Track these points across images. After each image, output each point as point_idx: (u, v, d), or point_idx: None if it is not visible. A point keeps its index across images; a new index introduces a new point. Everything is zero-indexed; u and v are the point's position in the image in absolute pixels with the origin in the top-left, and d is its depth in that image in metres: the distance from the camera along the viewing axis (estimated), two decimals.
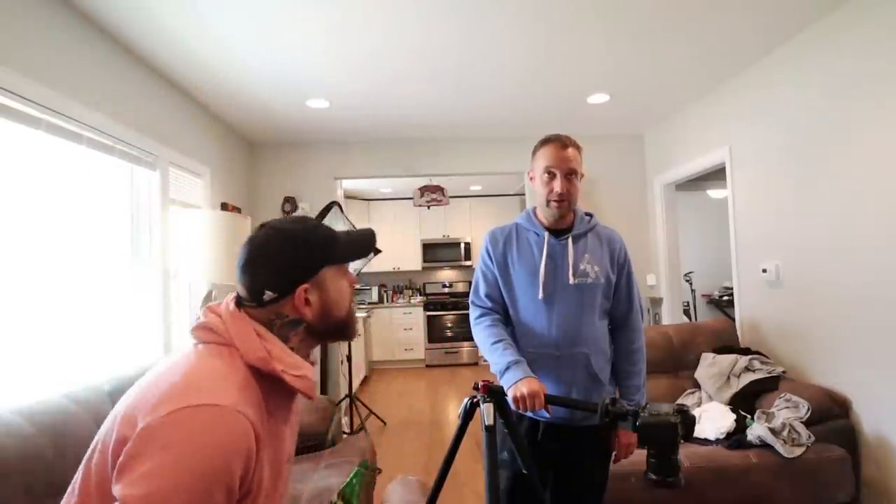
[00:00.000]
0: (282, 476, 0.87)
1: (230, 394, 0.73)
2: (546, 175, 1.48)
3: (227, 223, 2.51)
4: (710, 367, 2.74)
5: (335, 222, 3.60)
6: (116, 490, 0.67)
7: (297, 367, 0.82)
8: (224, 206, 3.52)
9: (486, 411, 1.24)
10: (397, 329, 6.59)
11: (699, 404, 2.65)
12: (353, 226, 3.75)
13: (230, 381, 0.75)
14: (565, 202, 1.47)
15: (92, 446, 0.77)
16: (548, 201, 1.49)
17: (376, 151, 4.32)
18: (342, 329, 0.92)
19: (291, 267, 0.84)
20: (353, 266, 3.68)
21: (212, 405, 0.70)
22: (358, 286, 6.69)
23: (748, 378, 2.57)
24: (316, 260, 0.86)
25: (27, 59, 1.83)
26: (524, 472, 1.33)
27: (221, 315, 0.83)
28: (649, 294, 4.24)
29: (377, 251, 3.84)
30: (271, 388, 0.80)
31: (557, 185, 1.46)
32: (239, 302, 0.86)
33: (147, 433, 0.68)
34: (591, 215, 1.59)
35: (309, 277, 0.85)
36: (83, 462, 0.77)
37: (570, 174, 1.47)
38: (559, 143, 1.49)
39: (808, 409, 2.22)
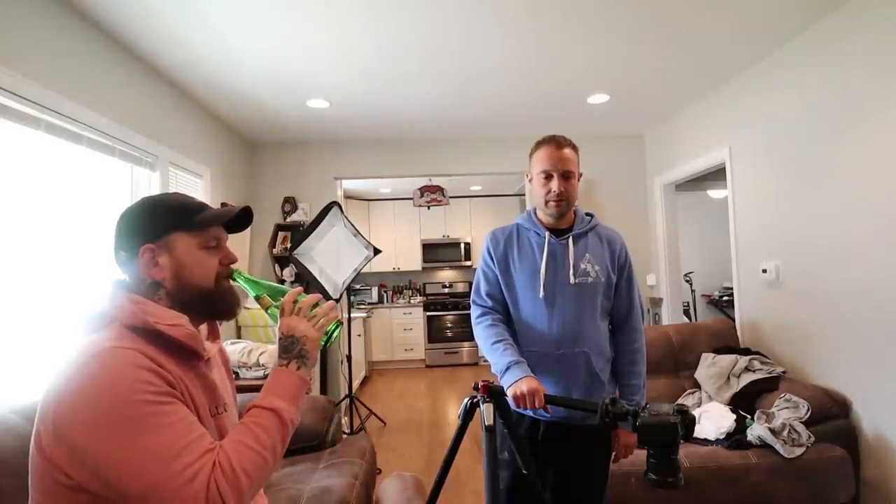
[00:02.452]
0: (208, 427, 0.87)
1: (108, 343, 0.77)
2: (543, 176, 1.48)
3: None
4: (710, 367, 2.74)
5: (335, 222, 3.60)
6: (76, 471, 0.72)
7: (171, 318, 0.84)
8: (224, 207, 3.52)
9: (486, 411, 1.24)
10: (397, 329, 6.59)
11: (699, 404, 2.65)
12: (354, 226, 3.75)
13: (105, 338, 0.79)
14: (563, 202, 1.48)
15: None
16: (546, 202, 1.49)
17: (376, 151, 4.32)
18: (208, 302, 0.91)
19: (138, 227, 0.89)
20: (353, 266, 3.67)
21: (91, 356, 0.75)
22: (358, 286, 6.69)
23: (748, 378, 2.57)
24: (162, 223, 0.89)
25: (27, 59, 1.83)
26: (524, 471, 1.33)
27: (102, 298, 0.87)
28: (649, 294, 4.24)
29: (377, 251, 3.84)
30: (161, 345, 0.82)
31: (555, 186, 1.46)
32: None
33: (55, 411, 0.72)
34: (591, 215, 1.60)
35: (153, 239, 0.87)
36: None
37: (567, 174, 1.47)
38: (555, 143, 1.49)
39: (808, 409, 2.22)
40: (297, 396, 0.88)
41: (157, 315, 0.83)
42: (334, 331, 0.95)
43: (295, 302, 0.93)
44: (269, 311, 0.95)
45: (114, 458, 0.70)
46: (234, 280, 0.96)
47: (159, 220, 0.89)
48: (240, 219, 0.98)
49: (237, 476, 0.75)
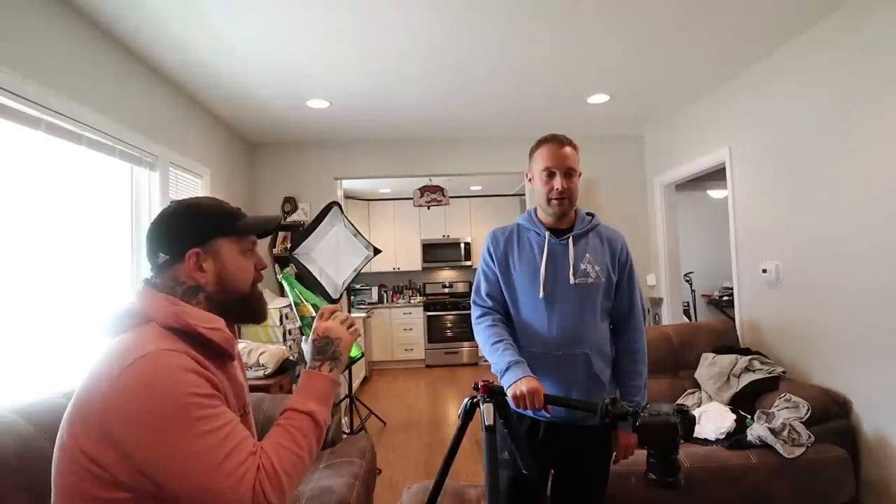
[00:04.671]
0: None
1: (152, 344, 0.78)
2: (545, 174, 1.48)
3: None
4: (710, 367, 2.74)
5: (335, 222, 3.60)
6: (124, 472, 0.73)
7: (210, 321, 0.86)
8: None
9: (486, 411, 1.24)
10: (397, 329, 6.58)
11: (699, 404, 2.65)
12: (354, 226, 3.75)
13: (147, 338, 0.79)
14: (566, 199, 1.48)
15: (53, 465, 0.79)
16: (548, 199, 1.49)
17: (376, 151, 4.32)
18: (247, 305, 0.95)
19: (183, 231, 0.90)
20: (353, 266, 3.67)
21: (139, 357, 0.75)
22: (358, 286, 6.69)
23: (748, 378, 2.57)
24: (208, 228, 0.91)
25: (27, 60, 1.83)
26: (524, 472, 1.33)
27: (134, 299, 0.88)
28: (649, 294, 4.24)
29: (377, 251, 3.84)
30: (199, 347, 0.84)
31: (557, 183, 1.46)
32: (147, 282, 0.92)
33: (103, 412, 0.73)
34: (592, 215, 1.59)
35: (200, 243, 0.89)
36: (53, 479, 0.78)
37: (569, 172, 1.47)
38: (556, 142, 1.49)
39: (808, 409, 2.22)
40: (329, 398, 0.93)
41: (197, 318, 0.85)
42: (359, 355, 1.03)
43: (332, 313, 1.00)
44: (305, 320, 1.00)
45: (166, 461, 0.72)
46: (284, 281, 1.01)
47: (205, 225, 0.91)
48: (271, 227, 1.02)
49: (279, 477, 0.78)
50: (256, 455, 0.78)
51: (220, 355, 0.88)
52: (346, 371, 3.93)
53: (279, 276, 1.00)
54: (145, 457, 0.72)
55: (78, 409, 0.76)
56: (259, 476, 0.76)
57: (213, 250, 0.90)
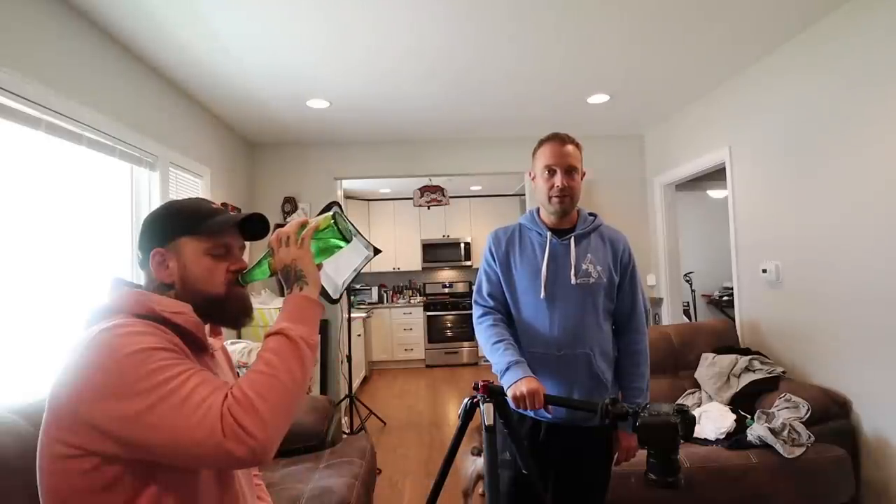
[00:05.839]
0: None
1: (121, 318, 0.80)
2: (546, 172, 1.49)
3: None
4: (710, 367, 2.74)
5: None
6: (102, 443, 0.72)
7: (175, 307, 0.86)
8: (224, 207, 3.52)
9: (486, 411, 1.24)
10: (397, 329, 6.59)
11: (699, 404, 2.65)
12: (354, 226, 3.74)
13: (118, 317, 0.81)
14: (567, 197, 1.48)
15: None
16: (549, 197, 1.49)
17: (376, 151, 4.32)
18: (218, 307, 0.92)
19: (152, 230, 0.92)
20: (353, 266, 3.67)
21: (95, 333, 0.76)
22: (358, 286, 6.69)
23: (748, 378, 2.57)
24: (173, 228, 0.91)
25: (27, 60, 1.83)
26: (524, 472, 1.33)
27: (104, 294, 0.90)
28: (649, 294, 4.24)
29: (377, 251, 3.84)
30: (170, 326, 0.84)
31: (558, 181, 1.46)
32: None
33: (71, 395, 0.73)
34: (594, 215, 1.59)
35: (162, 243, 0.90)
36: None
37: (571, 170, 1.47)
38: (558, 140, 1.49)
39: (808, 410, 2.22)
40: (304, 313, 0.87)
41: (161, 303, 0.85)
42: (333, 223, 0.94)
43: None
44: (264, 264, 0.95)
45: (133, 422, 0.71)
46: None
47: (169, 225, 0.92)
48: (254, 226, 0.98)
49: (250, 400, 0.73)
50: (226, 387, 0.76)
51: (191, 343, 0.87)
52: (344, 367, 3.93)
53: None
54: (117, 425, 0.71)
55: (50, 404, 0.76)
56: (227, 402, 0.73)
57: (175, 250, 0.90)
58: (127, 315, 0.82)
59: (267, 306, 3.45)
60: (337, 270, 3.87)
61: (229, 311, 0.94)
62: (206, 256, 0.91)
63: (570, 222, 1.54)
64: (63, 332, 1.96)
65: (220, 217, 0.94)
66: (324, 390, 4.14)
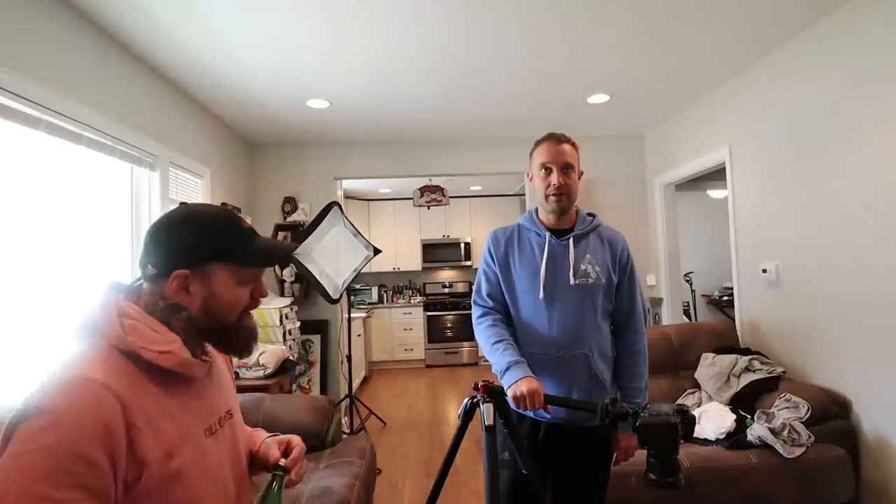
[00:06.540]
0: (205, 448, 0.81)
1: (86, 369, 0.70)
2: (543, 170, 1.49)
3: None
4: (710, 367, 2.74)
5: (335, 222, 3.60)
6: None
7: (161, 344, 0.76)
8: (224, 207, 3.52)
9: (486, 411, 1.24)
10: (397, 329, 6.59)
11: (699, 404, 2.65)
12: (354, 226, 3.75)
13: (85, 363, 0.72)
14: (564, 196, 1.48)
15: None
16: (546, 196, 1.49)
17: (376, 151, 4.32)
18: (228, 337, 0.85)
19: (177, 248, 0.80)
20: (353, 266, 3.67)
21: (62, 384, 0.68)
22: (358, 286, 6.69)
23: (748, 378, 2.57)
24: (205, 249, 0.80)
25: (27, 60, 1.83)
26: (524, 472, 1.33)
27: (94, 305, 0.80)
28: (649, 294, 4.24)
29: (377, 251, 3.84)
30: (146, 370, 0.75)
31: (554, 179, 1.47)
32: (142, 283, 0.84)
33: (10, 427, 0.66)
34: (593, 216, 1.59)
35: (191, 265, 0.79)
36: None
37: (567, 168, 1.48)
38: (554, 139, 1.50)
39: (808, 409, 2.22)
40: None
41: (147, 340, 0.75)
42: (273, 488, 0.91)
43: None
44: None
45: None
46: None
47: (201, 245, 0.81)
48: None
49: None
50: None
51: (175, 377, 0.78)
52: (344, 367, 3.93)
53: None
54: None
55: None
56: None
57: (204, 274, 0.80)
58: (105, 344, 0.74)
59: (267, 306, 3.45)
60: (337, 270, 3.86)
61: (239, 340, 0.87)
62: (236, 286, 0.83)
63: (568, 222, 1.55)
64: (62, 333, 1.96)
65: (261, 246, 0.85)
66: (324, 390, 4.14)
